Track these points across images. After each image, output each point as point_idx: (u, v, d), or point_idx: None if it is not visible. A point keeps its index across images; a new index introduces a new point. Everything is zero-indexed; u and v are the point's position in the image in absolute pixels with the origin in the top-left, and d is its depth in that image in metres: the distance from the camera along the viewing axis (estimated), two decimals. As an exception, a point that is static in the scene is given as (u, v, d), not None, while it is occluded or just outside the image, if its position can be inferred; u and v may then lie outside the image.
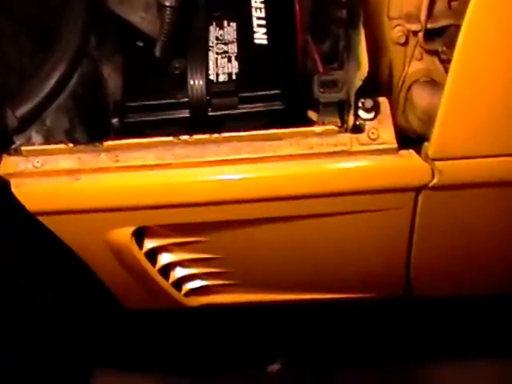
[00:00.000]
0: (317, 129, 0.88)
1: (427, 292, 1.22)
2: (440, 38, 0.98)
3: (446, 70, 0.98)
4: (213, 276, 1.15)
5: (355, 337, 1.47)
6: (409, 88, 1.04)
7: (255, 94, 0.93)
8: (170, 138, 0.90)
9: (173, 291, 1.14)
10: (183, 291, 1.16)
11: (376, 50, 0.95)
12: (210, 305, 1.20)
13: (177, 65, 0.94)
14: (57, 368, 1.30)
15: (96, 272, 1.11)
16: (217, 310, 1.23)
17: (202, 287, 1.17)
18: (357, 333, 1.47)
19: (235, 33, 0.98)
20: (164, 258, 1.09)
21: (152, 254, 1.08)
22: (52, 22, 1.02)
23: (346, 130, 0.88)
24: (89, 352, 1.43)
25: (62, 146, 0.92)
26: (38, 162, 0.92)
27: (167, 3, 0.91)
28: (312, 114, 0.98)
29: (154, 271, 1.09)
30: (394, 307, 1.35)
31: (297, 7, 1.00)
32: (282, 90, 0.92)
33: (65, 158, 0.92)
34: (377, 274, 1.14)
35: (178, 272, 1.13)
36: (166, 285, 1.13)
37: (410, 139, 0.97)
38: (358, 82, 0.87)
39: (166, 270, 1.12)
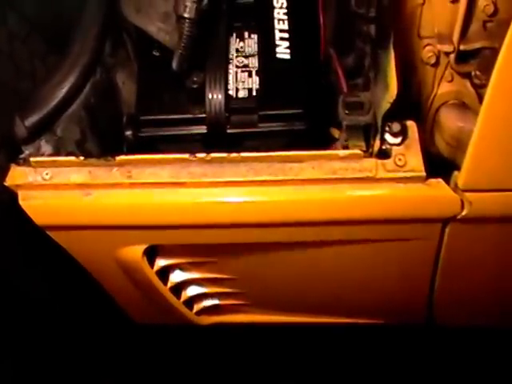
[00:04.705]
0: (341, 152, 0.84)
1: (449, 321, 1.18)
2: (473, 61, 0.93)
3: (478, 94, 0.94)
4: (225, 296, 1.12)
5: (367, 361, 1.44)
6: (437, 110, 0.99)
7: (276, 112, 0.89)
8: (186, 156, 0.86)
9: (184, 310, 1.11)
10: (195, 310, 1.13)
11: (404, 68, 0.90)
12: (221, 324, 1.17)
13: (195, 79, 0.89)
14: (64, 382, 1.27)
15: (105, 288, 1.08)
16: (227, 328, 1.19)
17: (213, 306, 1.13)
18: (369, 357, 1.44)
19: (256, 45, 0.94)
20: (176, 277, 1.05)
21: (163, 272, 1.04)
22: (65, 23, 0.99)
23: (371, 155, 0.84)
24: (96, 366, 1.40)
25: (72, 158, 0.88)
26: (47, 173, 0.89)
27: (186, 15, 0.85)
28: (335, 132, 0.94)
29: (165, 290, 1.05)
30: (406, 332, 1.32)
31: (321, 19, 0.96)
32: (305, 110, 0.88)
33: (75, 172, 0.88)
34: (398, 302, 1.11)
35: (190, 291, 1.10)
36: (178, 303, 1.10)
37: (436, 163, 0.93)
38: (386, 105, 0.82)
39: (178, 288, 1.09)
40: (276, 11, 0.96)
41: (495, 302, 1.09)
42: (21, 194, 0.89)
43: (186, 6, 0.85)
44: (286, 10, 0.96)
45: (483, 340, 1.33)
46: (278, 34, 0.94)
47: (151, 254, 1.00)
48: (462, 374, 1.39)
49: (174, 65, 0.90)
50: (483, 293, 1.07)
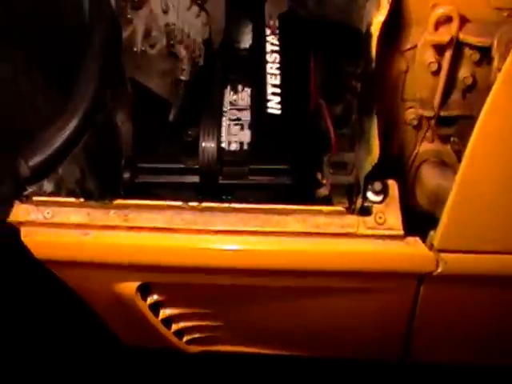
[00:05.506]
0: (324, 209, 0.88)
1: (425, 358, 1.23)
2: (453, 126, 0.98)
3: (457, 156, 0.99)
4: (213, 329, 1.16)
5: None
6: (418, 167, 1.03)
7: (264, 166, 0.94)
8: (180, 203, 0.91)
9: (175, 339, 1.16)
10: (185, 339, 1.18)
11: (387, 128, 0.94)
12: (211, 352, 1.22)
13: (189, 132, 0.94)
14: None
15: (100, 315, 1.13)
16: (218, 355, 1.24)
17: (203, 337, 1.18)
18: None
19: (249, 99, 0.99)
20: (167, 310, 1.10)
21: (155, 305, 1.09)
22: (68, 58, 1.02)
23: (353, 212, 0.88)
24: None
25: (72, 199, 0.93)
26: (48, 212, 0.93)
27: (182, 77, 0.91)
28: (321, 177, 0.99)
29: (157, 321, 1.10)
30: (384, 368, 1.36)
31: (312, 72, 1.01)
32: (291, 166, 0.93)
33: (75, 212, 0.93)
34: (376, 343, 1.15)
35: (180, 323, 1.14)
36: (168, 333, 1.14)
37: (415, 213, 0.98)
38: (368, 167, 0.86)
39: (169, 320, 1.13)
40: (269, 66, 1.00)
41: (469, 345, 1.14)
42: (23, 230, 0.94)
43: (183, 70, 0.90)
44: (278, 65, 1.00)
45: (459, 377, 1.37)
46: (269, 89, 0.98)
47: (144, 288, 1.05)
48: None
49: (171, 118, 0.94)
50: (457, 337, 1.12)
